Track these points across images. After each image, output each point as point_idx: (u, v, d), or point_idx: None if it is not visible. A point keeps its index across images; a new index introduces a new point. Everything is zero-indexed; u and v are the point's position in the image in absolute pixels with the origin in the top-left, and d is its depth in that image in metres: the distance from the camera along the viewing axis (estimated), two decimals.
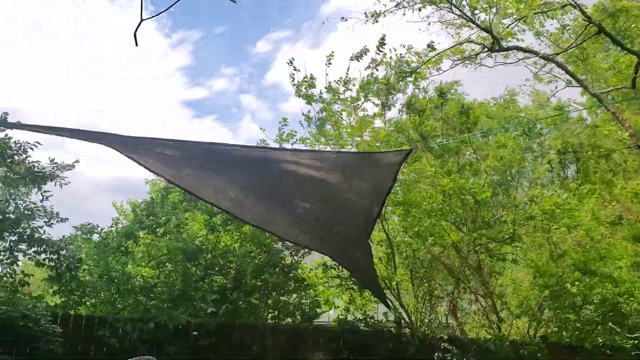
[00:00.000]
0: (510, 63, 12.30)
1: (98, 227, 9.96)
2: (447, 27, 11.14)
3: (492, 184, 11.93)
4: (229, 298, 8.70)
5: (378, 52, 11.09)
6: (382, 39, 11.09)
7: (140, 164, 5.63)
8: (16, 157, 5.64)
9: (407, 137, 12.04)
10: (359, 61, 11.24)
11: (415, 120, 11.91)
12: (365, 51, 11.16)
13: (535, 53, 10.83)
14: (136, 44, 4.87)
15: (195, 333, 7.78)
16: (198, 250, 9.10)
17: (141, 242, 9.61)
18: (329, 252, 7.91)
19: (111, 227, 10.84)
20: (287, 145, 11.57)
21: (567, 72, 11.17)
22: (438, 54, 11.31)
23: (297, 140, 11.75)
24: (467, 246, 10.70)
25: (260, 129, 12.09)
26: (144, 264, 9.64)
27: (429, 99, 12.98)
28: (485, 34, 10.36)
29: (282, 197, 6.15)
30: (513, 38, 10.55)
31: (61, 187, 6.37)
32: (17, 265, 5.51)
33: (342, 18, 11.02)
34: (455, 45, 11.06)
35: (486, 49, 10.50)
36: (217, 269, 9.14)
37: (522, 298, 11.47)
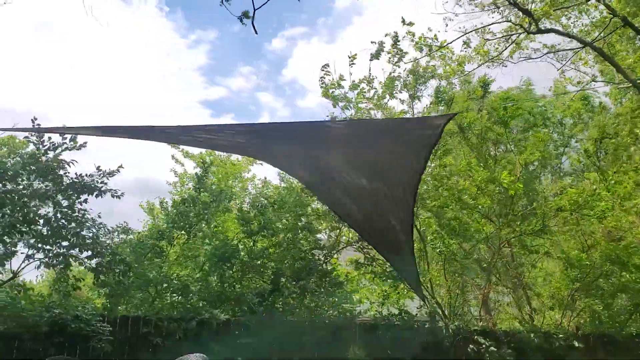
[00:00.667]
0: (535, 59, 12.35)
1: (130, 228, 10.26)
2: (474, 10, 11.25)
3: (524, 176, 11.91)
4: (266, 299, 8.92)
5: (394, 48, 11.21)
6: (396, 36, 11.25)
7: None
8: (60, 171, 5.84)
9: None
10: (378, 59, 11.36)
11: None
12: (381, 50, 11.27)
13: (572, 37, 10.82)
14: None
15: (236, 331, 8.01)
16: (234, 252, 9.32)
17: (175, 242, 9.86)
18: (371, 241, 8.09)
19: (143, 229, 11.19)
20: None
21: (604, 56, 11.06)
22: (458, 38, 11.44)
23: None
24: (499, 239, 10.76)
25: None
26: (179, 264, 9.91)
27: (468, 90, 12.99)
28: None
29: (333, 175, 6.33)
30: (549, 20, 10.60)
31: (101, 195, 6.52)
32: (70, 270, 5.75)
33: None
34: (492, 24, 11.16)
35: (523, 31, 10.55)
36: (254, 271, 9.35)
37: (554, 289, 11.52)
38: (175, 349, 7.32)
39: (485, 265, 11.11)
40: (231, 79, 42.82)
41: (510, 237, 10.88)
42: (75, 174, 6.05)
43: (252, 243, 9.82)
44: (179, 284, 9.06)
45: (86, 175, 5.96)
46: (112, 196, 6.21)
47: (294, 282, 9.09)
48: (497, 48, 11.98)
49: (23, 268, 5.42)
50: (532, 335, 9.38)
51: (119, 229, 10.64)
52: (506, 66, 12.48)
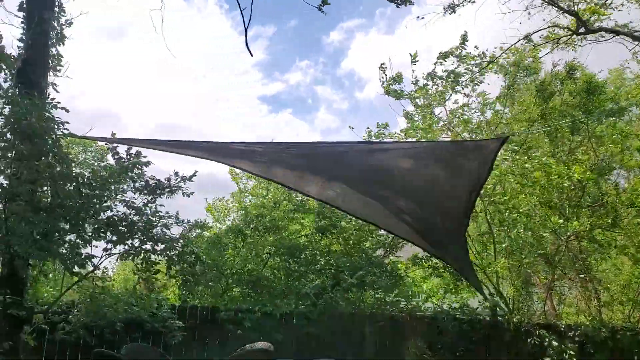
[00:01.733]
0: (603, 40, 11.89)
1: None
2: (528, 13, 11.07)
3: (597, 168, 11.54)
4: (328, 293, 9.29)
5: (461, 48, 11.20)
6: (464, 36, 11.22)
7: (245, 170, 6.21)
8: (136, 171, 6.32)
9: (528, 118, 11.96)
10: (445, 61, 11.39)
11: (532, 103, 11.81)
12: (450, 52, 11.30)
13: (622, 33, 10.45)
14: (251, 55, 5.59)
15: (298, 323, 8.40)
16: (300, 248, 9.74)
17: (249, 239, 10.45)
18: (425, 246, 8.26)
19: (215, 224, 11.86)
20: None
21: None
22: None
23: (387, 134, 12.10)
24: (566, 231, 10.57)
25: (349, 127, 12.48)
26: (249, 259, 10.46)
27: (553, 75, 12.72)
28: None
29: (380, 194, 6.56)
30: (600, 18, 10.28)
31: (173, 194, 6.97)
32: (147, 263, 6.25)
33: (418, 17, 11.29)
34: (540, 29, 10.95)
35: (571, 33, 10.31)
36: (317, 266, 9.71)
37: (623, 283, 11.20)
38: (242, 338, 7.85)
39: (551, 258, 10.93)
40: (289, 74, 43.42)
41: (579, 230, 10.66)
42: (152, 177, 6.49)
43: (319, 239, 10.24)
44: (248, 277, 9.59)
45: (165, 179, 6.38)
46: (183, 195, 6.62)
47: (355, 277, 9.38)
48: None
49: (102, 262, 5.96)
50: (597, 329, 9.21)
51: (198, 223, 11.40)
52: (575, 51, 12.10)
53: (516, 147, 11.26)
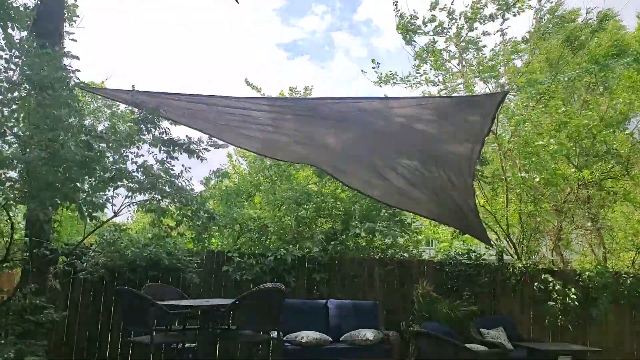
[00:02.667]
0: None
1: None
2: None
3: (610, 118, 11.50)
4: (338, 239, 9.59)
5: None
6: None
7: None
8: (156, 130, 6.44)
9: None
10: None
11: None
12: None
13: None
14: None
15: (309, 266, 8.71)
16: (307, 196, 9.98)
17: (261, 187, 10.78)
18: (429, 214, 8.49)
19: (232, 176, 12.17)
20: (388, 87, 12.02)
21: None
22: None
23: (398, 80, 12.10)
24: (577, 180, 10.66)
25: (361, 71, 12.48)
26: (261, 207, 10.78)
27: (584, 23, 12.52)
28: None
29: (382, 155, 6.69)
30: None
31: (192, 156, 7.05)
32: (164, 215, 6.52)
33: None
34: None
35: None
36: (326, 212, 9.96)
37: (630, 231, 11.36)
38: (254, 281, 8.21)
39: (560, 205, 11.06)
40: (305, 19, 42.59)
41: (590, 179, 10.75)
42: (177, 137, 6.58)
43: (322, 185, 10.47)
44: (260, 224, 9.92)
45: (194, 141, 6.46)
46: (197, 157, 6.68)
47: (364, 223, 9.64)
48: None
49: (121, 209, 6.22)
50: (601, 274, 9.44)
51: (219, 172, 11.73)
52: None
53: (537, 96, 11.23)
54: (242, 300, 4.97)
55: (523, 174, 10.38)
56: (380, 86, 12.07)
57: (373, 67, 12.02)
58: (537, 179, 10.21)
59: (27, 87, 5.25)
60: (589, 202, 11.45)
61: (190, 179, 6.57)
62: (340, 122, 6.15)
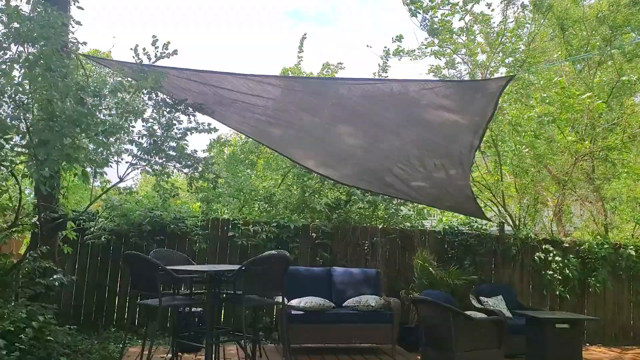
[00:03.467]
0: None
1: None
2: None
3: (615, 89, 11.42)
4: (342, 208, 9.69)
5: None
6: None
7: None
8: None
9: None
10: None
11: None
12: None
13: None
14: None
15: (313, 234, 8.83)
16: None
17: (262, 156, 10.82)
18: (424, 200, 8.56)
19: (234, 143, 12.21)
20: (395, 60, 11.96)
21: None
22: None
23: (406, 53, 12.03)
24: (577, 151, 10.69)
25: (367, 46, 12.39)
26: (264, 175, 10.85)
27: None
28: None
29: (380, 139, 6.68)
30: None
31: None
32: (169, 177, 6.59)
33: None
34: None
35: None
36: (331, 184, 10.05)
37: (631, 203, 11.44)
38: (259, 248, 8.34)
39: (561, 177, 11.12)
40: None
41: (591, 150, 10.77)
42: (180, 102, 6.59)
43: None
44: (265, 193, 10.01)
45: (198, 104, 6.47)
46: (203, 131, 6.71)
47: (367, 201, 9.76)
48: None
49: (128, 174, 6.28)
50: (600, 245, 9.56)
51: (217, 141, 11.85)
52: None
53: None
54: (249, 266, 5.08)
55: (514, 148, 10.42)
56: (387, 59, 11.97)
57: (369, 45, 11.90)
58: (527, 151, 10.25)
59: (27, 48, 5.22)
60: (591, 173, 11.50)
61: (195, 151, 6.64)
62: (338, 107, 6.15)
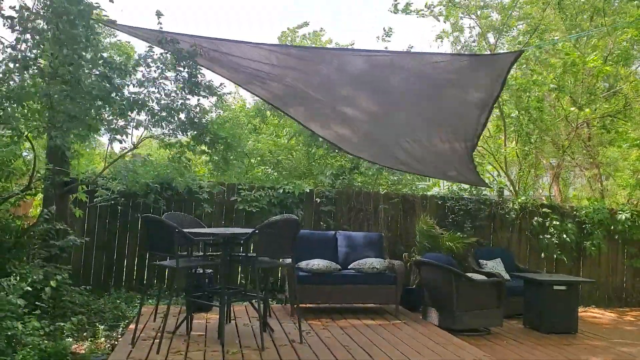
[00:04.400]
0: None
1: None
2: None
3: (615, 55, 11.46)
4: (346, 175, 9.84)
5: None
6: None
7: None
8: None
9: None
10: None
11: None
12: None
13: None
14: None
15: (317, 200, 8.99)
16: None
17: (268, 121, 10.86)
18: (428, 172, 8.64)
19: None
20: (402, 18, 11.86)
21: None
22: None
23: (413, 10, 11.90)
24: (577, 118, 10.80)
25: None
26: (271, 141, 10.90)
27: None
28: None
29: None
30: None
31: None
32: (182, 146, 6.74)
33: None
34: None
35: None
36: (336, 150, 10.17)
37: (629, 168, 11.63)
38: (265, 213, 8.50)
39: (561, 144, 11.27)
40: None
41: (591, 117, 10.88)
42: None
43: None
44: (271, 158, 10.12)
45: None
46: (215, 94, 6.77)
47: (371, 169, 9.91)
48: None
49: (140, 142, 6.40)
50: (597, 210, 9.79)
51: (222, 104, 11.82)
52: None
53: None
54: (262, 229, 5.23)
55: (514, 115, 10.53)
56: (395, 13, 11.83)
57: None
58: (527, 120, 10.37)
59: (50, 17, 5.26)
60: (590, 141, 11.65)
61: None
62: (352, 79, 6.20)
